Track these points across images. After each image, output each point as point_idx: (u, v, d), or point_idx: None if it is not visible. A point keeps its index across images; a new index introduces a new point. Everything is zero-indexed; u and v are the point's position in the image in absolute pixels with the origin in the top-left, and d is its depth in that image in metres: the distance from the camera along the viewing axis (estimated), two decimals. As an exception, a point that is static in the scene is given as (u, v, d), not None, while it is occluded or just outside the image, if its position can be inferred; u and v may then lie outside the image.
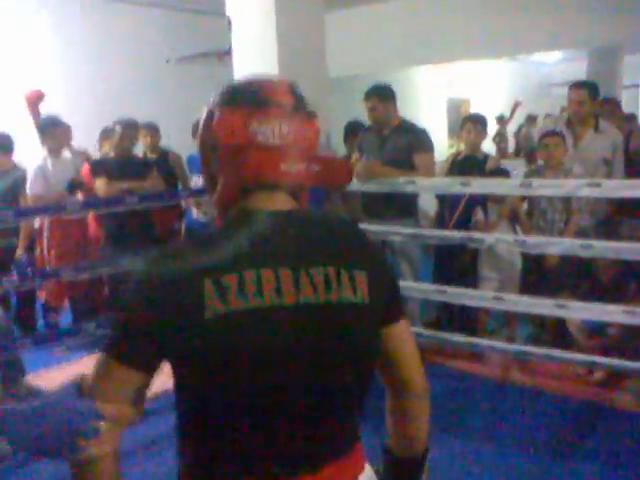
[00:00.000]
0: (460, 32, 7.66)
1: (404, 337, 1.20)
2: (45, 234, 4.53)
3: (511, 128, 9.39)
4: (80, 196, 4.55)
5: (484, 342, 3.79)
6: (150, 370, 1.04)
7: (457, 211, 4.16)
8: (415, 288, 3.85)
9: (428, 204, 4.92)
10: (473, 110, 10.36)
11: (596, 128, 4.22)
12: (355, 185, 3.90)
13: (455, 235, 3.77)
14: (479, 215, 4.12)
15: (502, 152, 7.91)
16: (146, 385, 1.06)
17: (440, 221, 4.37)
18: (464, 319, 4.20)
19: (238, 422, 1.04)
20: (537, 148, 4.15)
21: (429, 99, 11.41)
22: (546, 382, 3.78)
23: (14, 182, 4.48)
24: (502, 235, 3.83)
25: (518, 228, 4.14)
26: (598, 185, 3.22)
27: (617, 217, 4.06)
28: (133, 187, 4.23)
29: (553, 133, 4.05)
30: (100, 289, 4.71)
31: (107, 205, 4.21)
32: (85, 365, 4.14)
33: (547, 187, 3.44)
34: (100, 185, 4.28)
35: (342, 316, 1.07)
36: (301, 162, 1.09)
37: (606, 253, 3.29)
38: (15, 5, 6.31)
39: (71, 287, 4.64)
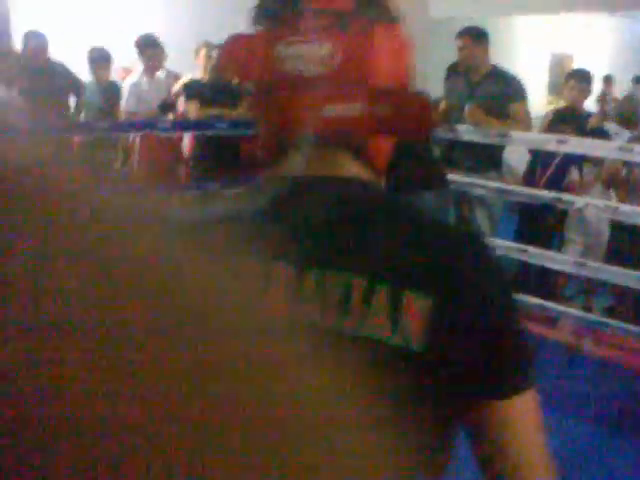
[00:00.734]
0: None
1: (513, 427, 0.68)
2: (136, 151, 4.66)
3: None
4: (171, 117, 4.64)
5: (560, 308, 3.70)
6: None
7: (550, 169, 4.00)
8: (493, 244, 3.76)
9: (515, 159, 4.75)
10: (576, 67, 9.83)
11: None
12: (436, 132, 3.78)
13: (545, 194, 3.64)
14: (573, 175, 3.95)
15: (605, 114, 7.51)
16: None
17: (530, 178, 4.21)
18: (542, 282, 4.10)
19: None
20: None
21: (530, 52, 10.88)
22: (618, 355, 3.67)
23: (111, 96, 4.63)
24: (594, 199, 3.67)
25: (613, 194, 3.96)
26: None
27: None
28: (223, 114, 4.27)
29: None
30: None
31: (197, 128, 4.29)
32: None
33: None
34: (191, 109, 4.34)
35: (355, 358, 0.49)
36: (357, 100, 0.71)
37: None
38: None
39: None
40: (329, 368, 0.21)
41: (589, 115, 4.11)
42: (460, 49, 3.92)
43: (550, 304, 3.67)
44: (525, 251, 3.62)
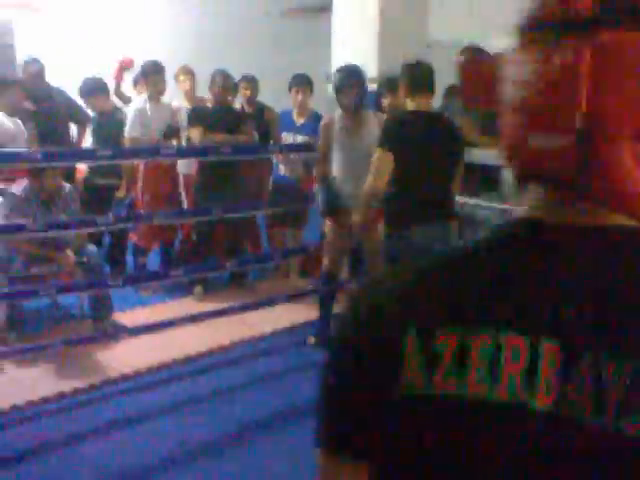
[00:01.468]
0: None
1: None
2: (140, 178, 4.68)
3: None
4: (175, 143, 4.66)
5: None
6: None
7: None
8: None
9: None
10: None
11: None
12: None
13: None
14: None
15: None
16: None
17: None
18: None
19: None
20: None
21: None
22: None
23: (116, 123, 4.64)
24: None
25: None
26: None
27: None
28: (227, 140, 4.29)
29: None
30: (190, 237, 4.84)
31: (200, 153, 4.30)
32: (168, 308, 4.30)
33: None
34: (195, 135, 4.36)
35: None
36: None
37: None
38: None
39: (162, 232, 4.80)
40: None
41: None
42: None
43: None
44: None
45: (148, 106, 4.58)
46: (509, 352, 0.55)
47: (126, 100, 5.19)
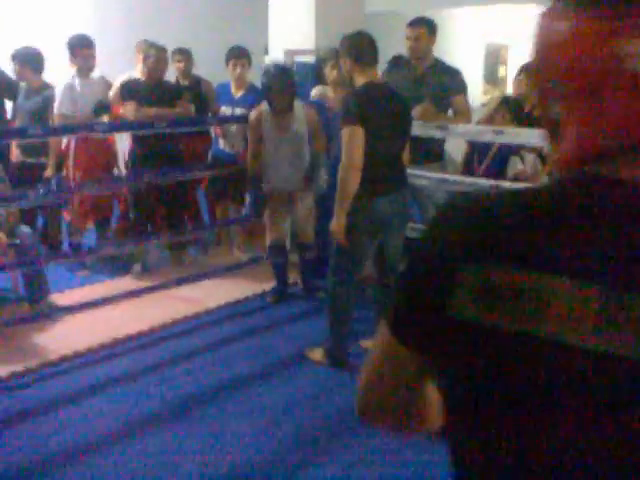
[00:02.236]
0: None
1: None
2: (71, 155, 4.52)
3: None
4: (106, 119, 4.51)
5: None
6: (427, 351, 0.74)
7: (487, 159, 4.07)
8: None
9: (455, 150, 4.82)
10: (511, 57, 10.06)
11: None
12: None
13: (484, 183, 3.71)
14: (518, 165, 3.99)
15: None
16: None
17: (468, 168, 4.28)
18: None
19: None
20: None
21: (466, 43, 11.06)
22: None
23: (44, 101, 4.45)
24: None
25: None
26: None
27: None
28: (162, 114, 4.19)
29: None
30: (126, 214, 4.72)
31: (135, 128, 4.20)
32: (106, 287, 4.22)
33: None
34: (129, 110, 4.24)
35: None
36: None
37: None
38: None
39: (96, 209, 4.67)
40: None
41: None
42: (414, 39, 3.88)
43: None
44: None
45: (77, 82, 4.42)
46: (559, 293, 0.62)
47: None
